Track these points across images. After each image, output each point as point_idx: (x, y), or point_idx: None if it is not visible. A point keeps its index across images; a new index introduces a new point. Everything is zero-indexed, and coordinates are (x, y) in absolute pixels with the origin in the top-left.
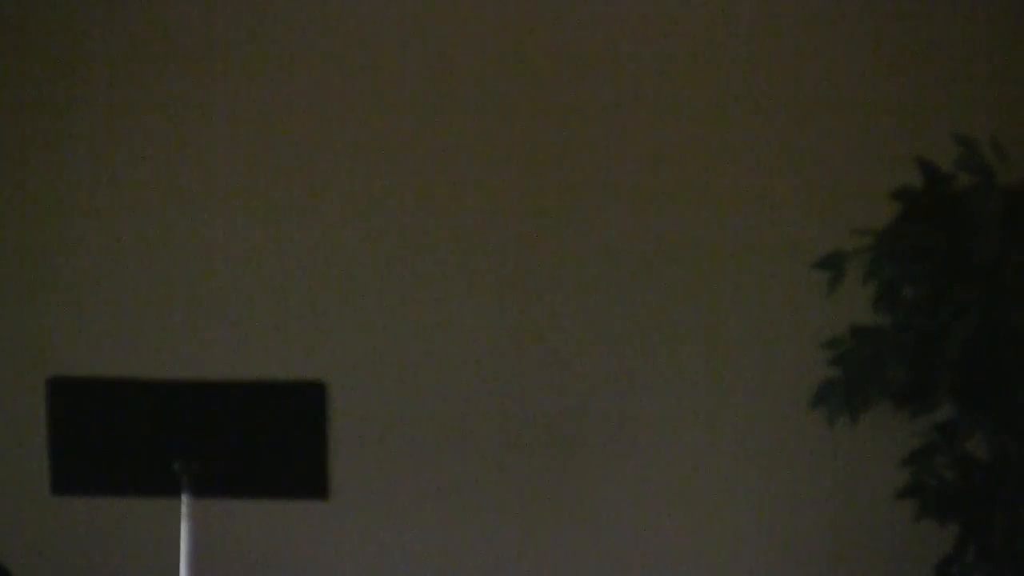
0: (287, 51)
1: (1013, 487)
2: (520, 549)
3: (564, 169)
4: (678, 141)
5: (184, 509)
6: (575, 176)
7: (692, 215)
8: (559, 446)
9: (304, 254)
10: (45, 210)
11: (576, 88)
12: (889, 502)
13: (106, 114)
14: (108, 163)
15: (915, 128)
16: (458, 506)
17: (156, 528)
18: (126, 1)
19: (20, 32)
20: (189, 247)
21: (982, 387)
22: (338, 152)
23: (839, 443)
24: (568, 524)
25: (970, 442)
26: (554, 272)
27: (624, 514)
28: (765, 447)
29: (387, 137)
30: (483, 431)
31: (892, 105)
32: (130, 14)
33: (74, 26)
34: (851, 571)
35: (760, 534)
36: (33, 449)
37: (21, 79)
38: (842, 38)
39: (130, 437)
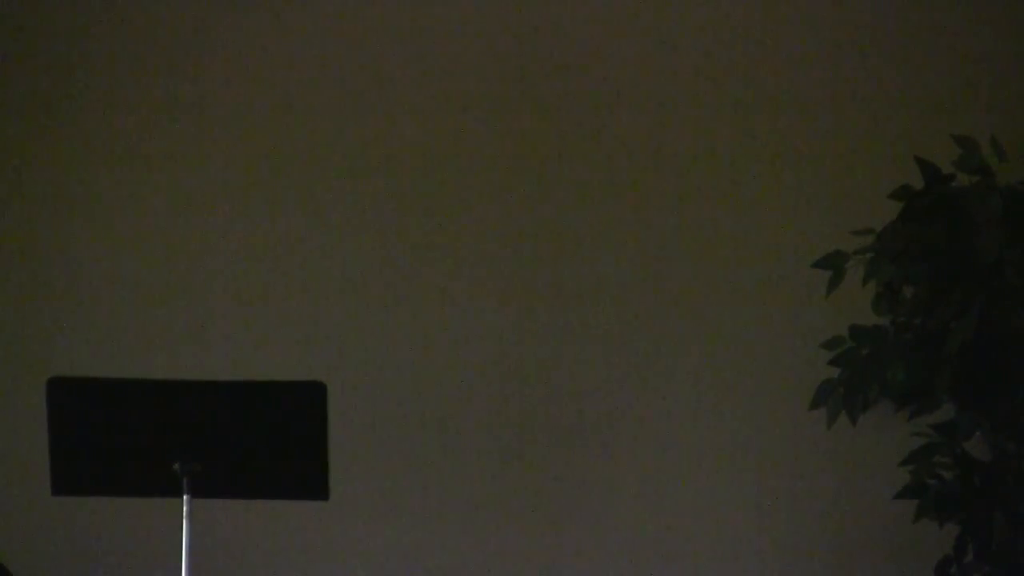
0: (287, 51)
1: (1012, 487)
2: (520, 549)
3: (563, 168)
4: (678, 141)
5: (184, 509)
6: (575, 176)
7: (692, 215)
8: (558, 446)
9: (304, 255)
10: (45, 210)
11: (576, 88)
12: (889, 502)
13: (106, 114)
14: (108, 163)
15: (915, 128)
16: (458, 506)
17: (156, 528)
18: (126, 1)
19: (20, 32)
20: (189, 247)
21: (982, 387)
22: (338, 152)
23: (839, 443)
24: (568, 523)
25: (969, 442)
26: (554, 272)
27: (624, 514)
28: (765, 447)
29: (387, 137)
30: (483, 431)
31: (892, 105)
32: (129, 14)
33: (74, 26)
34: (851, 571)
35: (760, 534)
36: (33, 449)
37: (21, 79)
38: (842, 38)
39: (130, 437)
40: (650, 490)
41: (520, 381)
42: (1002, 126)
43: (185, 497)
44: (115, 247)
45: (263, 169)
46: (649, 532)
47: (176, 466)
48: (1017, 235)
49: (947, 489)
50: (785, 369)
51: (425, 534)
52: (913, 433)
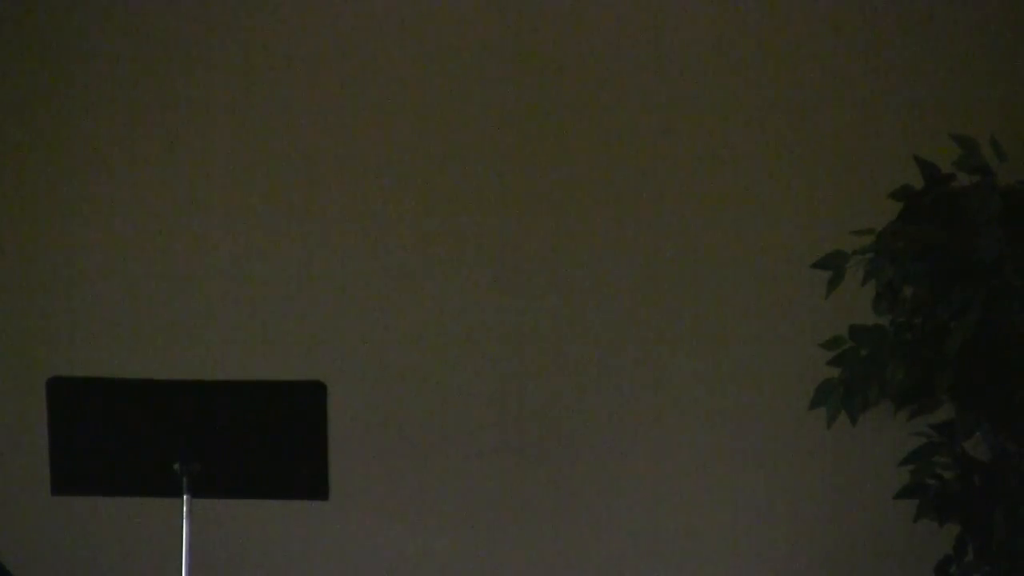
0: (286, 51)
1: (1012, 487)
2: (519, 549)
3: (563, 169)
4: (678, 141)
5: (184, 509)
6: (574, 176)
7: (692, 215)
8: (558, 446)
9: (304, 255)
10: (45, 210)
11: (576, 88)
12: (889, 502)
13: (106, 114)
14: (108, 163)
15: (915, 128)
16: (458, 506)
17: (156, 528)
18: (126, 1)
19: (20, 32)
20: (189, 247)
21: (982, 387)
22: (338, 152)
23: (839, 443)
24: (567, 523)
25: (969, 442)
26: (553, 272)
27: (623, 514)
28: (765, 447)
29: (387, 137)
30: (483, 431)
31: (892, 105)
32: (130, 14)
33: (74, 26)
34: (851, 571)
35: (760, 534)
36: (33, 449)
37: (21, 79)
38: (842, 38)
39: (130, 437)
40: (650, 490)
41: (519, 381)
42: (1002, 126)
43: (185, 497)
44: (115, 247)
45: (263, 169)
46: (649, 531)
47: (176, 466)
48: (1017, 235)
49: (947, 489)
50: (785, 369)
51: (425, 534)
52: (913, 433)
